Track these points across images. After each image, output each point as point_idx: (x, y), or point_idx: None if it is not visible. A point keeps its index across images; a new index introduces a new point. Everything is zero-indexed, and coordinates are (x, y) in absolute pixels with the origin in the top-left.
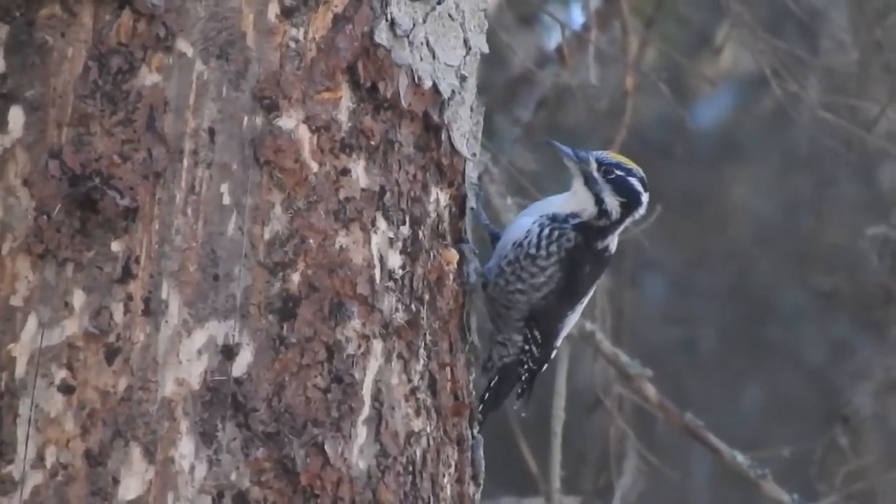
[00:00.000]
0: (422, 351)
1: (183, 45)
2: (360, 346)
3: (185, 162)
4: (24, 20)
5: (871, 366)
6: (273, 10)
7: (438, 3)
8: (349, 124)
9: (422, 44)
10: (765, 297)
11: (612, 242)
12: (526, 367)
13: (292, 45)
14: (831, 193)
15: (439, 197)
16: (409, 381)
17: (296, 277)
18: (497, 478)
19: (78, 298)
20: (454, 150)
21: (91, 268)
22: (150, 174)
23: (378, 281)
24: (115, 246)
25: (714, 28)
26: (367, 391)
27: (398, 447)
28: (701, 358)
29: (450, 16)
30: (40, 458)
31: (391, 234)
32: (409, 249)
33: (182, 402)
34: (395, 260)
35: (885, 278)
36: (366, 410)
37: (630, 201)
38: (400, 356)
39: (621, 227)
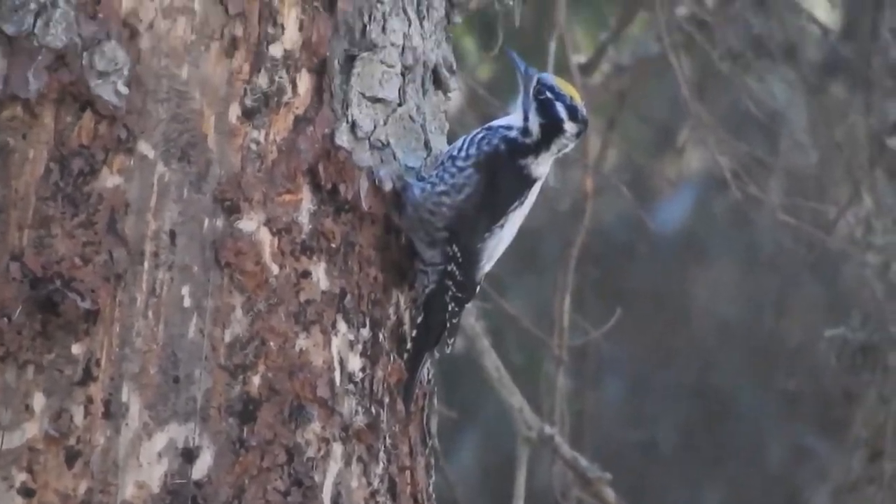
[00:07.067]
0: (381, 454)
1: (144, 147)
2: (319, 450)
3: (146, 264)
4: None
5: (830, 467)
6: (234, 112)
7: (399, 106)
8: (310, 227)
9: (383, 146)
10: (726, 398)
11: (539, 167)
12: (450, 293)
13: (253, 147)
14: (793, 294)
15: (400, 299)
16: (369, 484)
17: (256, 380)
18: None
19: (38, 401)
20: (416, 253)
21: (52, 370)
22: (111, 276)
23: (338, 384)
24: (76, 348)
25: (676, 128)
26: (327, 494)
27: None
28: (661, 458)
29: (410, 117)
30: None
31: (351, 337)
32: (368, 352)
33: None
34: (355, 363)
35: (844, 379)
36: None
37: (549, 123)
38: (360, 459)
39: (549, 155)
